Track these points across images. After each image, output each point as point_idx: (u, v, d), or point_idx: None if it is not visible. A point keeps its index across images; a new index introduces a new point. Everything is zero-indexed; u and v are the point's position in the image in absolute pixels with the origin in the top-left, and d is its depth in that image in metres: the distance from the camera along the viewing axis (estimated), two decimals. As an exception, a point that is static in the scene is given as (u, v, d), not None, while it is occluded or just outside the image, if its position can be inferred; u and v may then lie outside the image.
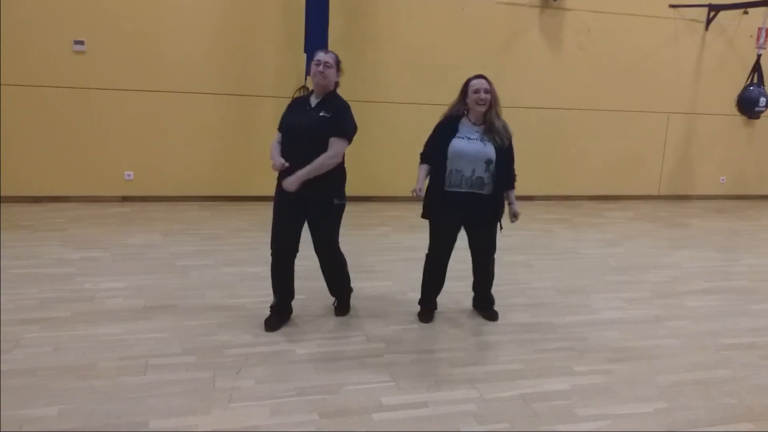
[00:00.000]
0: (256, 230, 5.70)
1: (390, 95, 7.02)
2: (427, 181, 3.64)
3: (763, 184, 8.85)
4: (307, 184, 3.33)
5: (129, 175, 6.51)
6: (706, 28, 7.93)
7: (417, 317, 3.81)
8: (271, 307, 3.62)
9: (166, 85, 6.41)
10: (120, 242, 5.07)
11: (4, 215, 5.69)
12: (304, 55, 6.39)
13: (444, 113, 3.67)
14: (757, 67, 7.25)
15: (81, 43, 6.11)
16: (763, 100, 7.15)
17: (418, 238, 5.70)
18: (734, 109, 7.51)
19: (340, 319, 3.73)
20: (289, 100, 6.69)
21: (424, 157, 3.64)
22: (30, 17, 5.96)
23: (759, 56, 7.18)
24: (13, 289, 3.91)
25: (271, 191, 7.43)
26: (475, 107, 3.51)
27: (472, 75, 3.62)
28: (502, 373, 3.14)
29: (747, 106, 7.26)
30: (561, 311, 4.05)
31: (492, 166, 3.52)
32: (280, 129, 3.50)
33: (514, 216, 3.70)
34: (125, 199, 6.54)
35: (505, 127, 3.58)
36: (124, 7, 6.15)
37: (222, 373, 2.98)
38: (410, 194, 3.55)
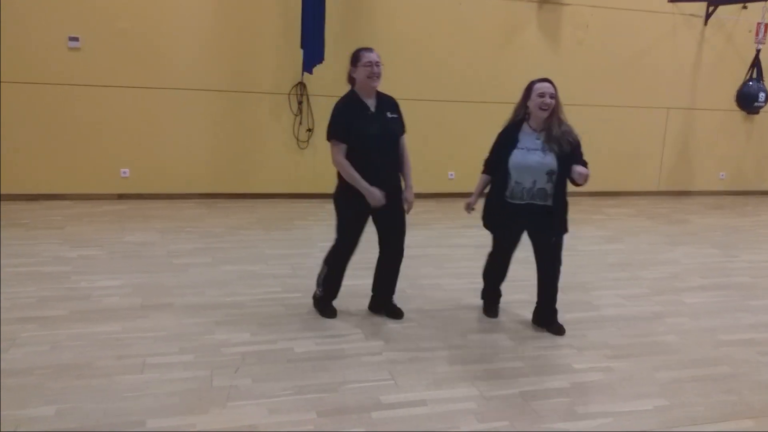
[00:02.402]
0: (255, 228, 5.68)
1: (386, 90, 6.96)
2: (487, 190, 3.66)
3: (763, 180, 8.84)
4: (390, 180, 3.48)
5: (125, 173, 6.48)
6: (705, 23, 7.91)
7: (483, 313, 3.85)
8: (325, 298, 3.72)
9: (162, 81, 6.38)
10: (117, 240, 5.05)
11: (1, 213, 5.66)
12: (301, 51, 6.37)
13: (508, 119, 3.55)
14: (756, 62, 7.24)
15: (76, 39, 6.07)
16: (762, 95, 7.14)
17: (417, 235, 5.69)
18: (733, 105, 7.50)
19: (339, 317, 3.71)
20: (286, 97, 6.84)
21: (487, 167, 3.59)
22: (24, 13, 5.91)
23: (758, 51, 7.17)
24: (10, 287, 3.89)
25: (268, 188, 7.40)
26: (537, 112, 3.37)
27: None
28: (501, 371, 3.13)
29: (746, 101, 7.25)
30: (560, 308, 4.02)
31: (554, 177, 3.38)
32: (346, 140, 3.37)
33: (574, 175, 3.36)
34: (121, 196, 6.51)
35: (568, 132, 3.41)
36: (120, 3, 6.11)
37: (220, 372, 2.96)
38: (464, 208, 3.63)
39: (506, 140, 3.46)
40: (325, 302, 3.73)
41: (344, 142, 3.38)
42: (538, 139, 3.40)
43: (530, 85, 3.42)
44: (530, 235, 3.61)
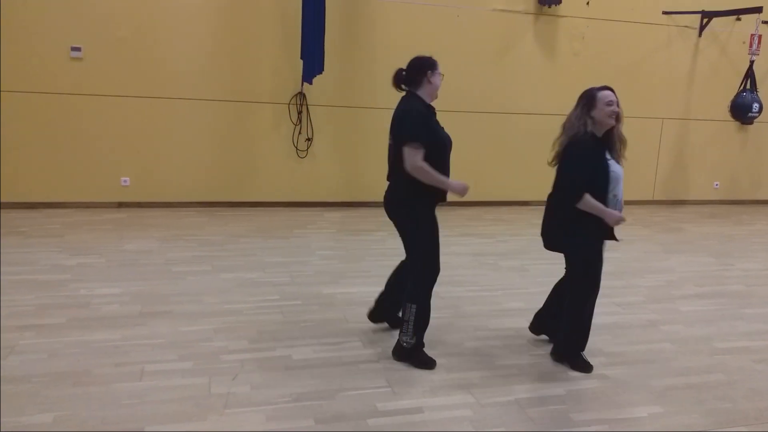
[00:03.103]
0: (253, 236, 5.70)
1: (385, 101, 6.97)
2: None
3: (757, 190, 8.90)
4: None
5: (125, 181, 6.51)
6: (699, 35, 8.00)
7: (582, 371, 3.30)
8: (419, 345, 3.28)
9: (162, 91, 6.42)
10: (116, 248, 5.07)
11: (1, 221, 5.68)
12: (301, 61, 6.42)
13: (570, 137, 3.29)
14: (749, 73, 7.31)
15: (78, 49, 6.12)
16: (755, 105, 7.21)
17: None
18: (727, 115, 7.56)
19: (336, 324, 3.74)
20: (285, 106, 6.89)
21: (582, 190, 3.21)
22: (27, 24, 5.97)
23: (752, 62, 7.25)
24: (9, 295, 3.90)
25: (267, 197, 7.42)
26: (606, 120, 3.21)
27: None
28: (497, 378, 3.15)
29: (740, 111, 7.31)
30: (556, 316, 4.06)
31: None
32: (428, 144, 3.15)
33: None
34: (121, 205, 6.53)
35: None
36: (121, 14, 6.17)
37: (218, 379, 2.98)
38: (616, 225, 3.30)
39: (596, 153, 3.25)
40: (420, 349, 3.28)
41: (424, 147, 3.14)
42: (605, 149, 3.30)
43: (592, 93, 3.24)
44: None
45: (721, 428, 2.79)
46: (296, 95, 6.76)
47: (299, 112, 6.81)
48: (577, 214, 3.22)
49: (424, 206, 3.25)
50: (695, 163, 8.48)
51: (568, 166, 3.28)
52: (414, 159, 3.11)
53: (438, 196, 3.24)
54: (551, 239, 3.43)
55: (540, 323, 3.65)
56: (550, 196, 3.44)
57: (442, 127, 3.34)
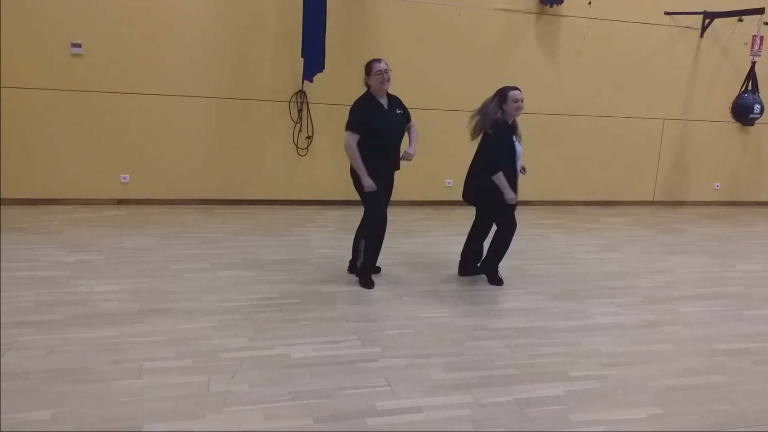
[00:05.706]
0: (252, 234, 5.70)
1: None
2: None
3: (758, 191, 8.89)
4: (395, 162, 4.34)
5: (125, 178, 6.50)
6: (701, 35, 7.99)
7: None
8: (366, 269, 4.38)
9: (162, 88, 6.41)
10: (115, 245, 5.06)
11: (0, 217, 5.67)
12: (301, 59, 6.41)
13: (492, 120, 4.28)
14: (751, 75, 7.30)
15: (78, 45, 6.11)
16: (757, 107, 7.20)
17: (414, 242, 5.71)
18: (729, 116, 7.56)
19: (335, 323, 3.73)
20: (286, 104, 6.88)
21: (499, 167, 4.31)
22: (27, 19, 5.95)
23: (753, 63, 7.23)
24: (8, 291, 3.90)
25: (267, 195, 7.40)
26: (513, 113, 4.34)
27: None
28: (496, 378, 3.15)
29: (741, 112, 7.31)
30: (556, 316, 4.06)
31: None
32: (365, 131, 4.12)
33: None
34: (121, 201, 6.53)
35: None
36: (121, 10, 6.15)
37: (216, 377, 2.97)
38: (509, 202, 4.36)
39: (509, 135, 4.36)
40: (366, 273, 4.38)
41: (359, 133, 4.12)
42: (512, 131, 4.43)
43: (505, 92, 4.32)
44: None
45: (720, 430, 2.79)
46: (297, 93, 6.75)
47: (300, 110, 6.80)
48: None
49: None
50: (696, 164, 8.48)
51: (492, 146, 4.33)
52: (349, 141, 4.12)
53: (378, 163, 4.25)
54: (471, 195, 4.56)
55: (466, 269, 4.73)
56: (474, 162, 4.51)
57: (396, 116, 4.25)
